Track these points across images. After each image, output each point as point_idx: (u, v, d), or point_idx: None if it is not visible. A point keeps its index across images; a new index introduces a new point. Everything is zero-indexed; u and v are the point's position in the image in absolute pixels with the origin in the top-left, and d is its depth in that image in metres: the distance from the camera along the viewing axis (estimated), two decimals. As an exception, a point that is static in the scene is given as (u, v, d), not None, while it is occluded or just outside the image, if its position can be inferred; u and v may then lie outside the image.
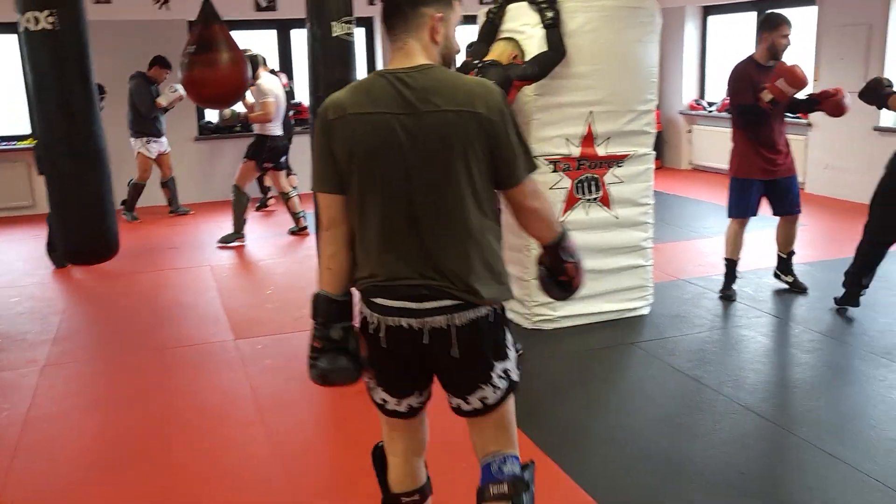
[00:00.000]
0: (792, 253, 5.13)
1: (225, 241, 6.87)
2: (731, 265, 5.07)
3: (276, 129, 6.83)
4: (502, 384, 2.09)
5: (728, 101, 5.19)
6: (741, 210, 4.92)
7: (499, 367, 2.07)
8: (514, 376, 2.14)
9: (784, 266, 5.17)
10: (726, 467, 3.04)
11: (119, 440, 3.39)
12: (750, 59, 4.82)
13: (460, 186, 1.91)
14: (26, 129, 7.72)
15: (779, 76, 4.51)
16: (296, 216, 7.15)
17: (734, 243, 5.02)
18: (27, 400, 3.79)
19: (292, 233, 7.22)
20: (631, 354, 4.22)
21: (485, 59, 4.21)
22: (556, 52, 4.08)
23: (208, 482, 3.06)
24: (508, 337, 2.11)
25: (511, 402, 2.17)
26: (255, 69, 6.73)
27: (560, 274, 2.16)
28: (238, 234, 6.89)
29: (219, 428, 3.51)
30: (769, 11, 4.99)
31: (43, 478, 3.12)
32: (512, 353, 2.13)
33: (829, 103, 4.74)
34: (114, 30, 8.34)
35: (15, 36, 5.08)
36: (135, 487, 3.03)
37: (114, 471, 3.15)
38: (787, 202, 4.92)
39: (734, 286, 5.06)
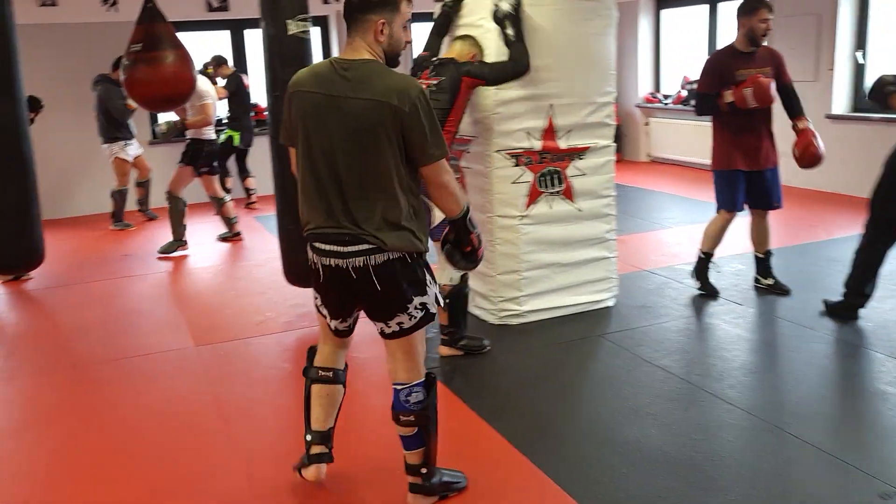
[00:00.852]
0: (769, 253, 4.95)
1: (165, 250, 6.62)
2: (706, 259, 4.93)
3: (212, 133, 6.63)
4: (418, 314, 2.57)
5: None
6: (728, 203, 4.75)
7: (417, 300, 2.55)
8: (431, 308, 2.60)
9: (763, 268, 4.96)
10: (698, 454, 3.04)
11: (77, 455, 3.28)
12: (730, 46, 4.69)
13: (374, 159, 2.40)
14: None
15: (750, 85, 4.40)
16: (229, 221, 7.01)
17: (715, 237, 4.87)
18: (-21, 416, 3.66)
19: (223, 238, 7.06)
20: (599, 346, 4.22)
21: (441, 56, 4.17)
22: (515, 64, 4.00)
23: (174, 495, 2.96)
24: (427, 276, 2.59)
25: (421, 334, 2.63)
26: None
27: (465, 245, 2.64)
28: (178, 241, 6.66)
29: (182, 438, 3.41)
30: None
31: (1, 494, 3.01)
32: (431, 290, 2.59)
33: (801, 144, 4.65)
34: (62, 33, 8.15)
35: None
36: (96, 503, 2.93)
37: (74, 485, 3.04)
38: (768, 195, 4.76)
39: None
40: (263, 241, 6.97)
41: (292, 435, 3.42)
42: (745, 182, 4.72)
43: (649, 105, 10.22)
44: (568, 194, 4.49)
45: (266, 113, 8.61)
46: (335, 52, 9.57)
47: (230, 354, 4.36)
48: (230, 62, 8.35)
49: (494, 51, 4.18)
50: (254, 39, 9.25)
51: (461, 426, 3.40)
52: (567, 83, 4.35)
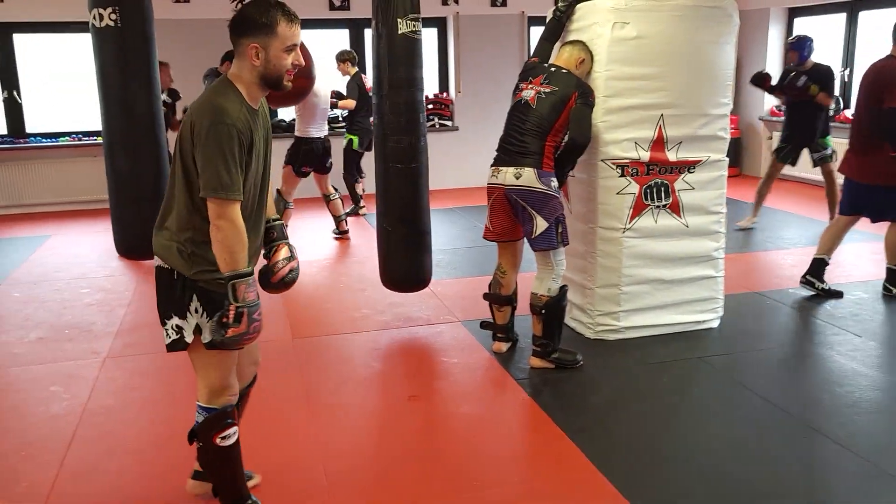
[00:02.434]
0: None
1: None
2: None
3: (314, 132, 6.71)
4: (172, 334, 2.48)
5: (864, 104, 4.86)
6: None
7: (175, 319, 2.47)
8: (186, 337, 2.46)
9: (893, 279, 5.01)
10: (796, 495, 2.84)
11: (172, 438, 3.39)
12: (891, 57, 4.67)
13: (179, 170, 2.38)
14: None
15: None
16: (338, 219, 7.08)
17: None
18: (87, 391, 3.84)
19: (337, 236, 7.15)
20: (698, 369, 4.03)
21: (551, 62, 4.10)
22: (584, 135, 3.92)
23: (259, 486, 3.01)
24: (195, 304, 2.44)
25: (197, 355, 2.50)
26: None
27: (223, 315, 2.36)
28: None
29: (269, 428, 3.46)
30: None
31: (95, 471, 3.14)
32: (192, 318, 2.45)
33: None
34: (192, 28, 8.52)
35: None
36: (183, 486, 3.01)
37: (165, 468, 3.14)
38: None
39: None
40: (369, 238, 7.04)
41: (375, 435, 3.43)
42: None
43: (774, 119, 9.73)
44: (675, 208, 4.31)
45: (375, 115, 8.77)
46: (451, 54, 9.61)
47: (325, 349, 4.42)
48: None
49: (605, 56, 4.06)
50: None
51: (545, 442, 3.31)
52: (679, 93, 4.18)
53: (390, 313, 4.98)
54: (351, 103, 7.68)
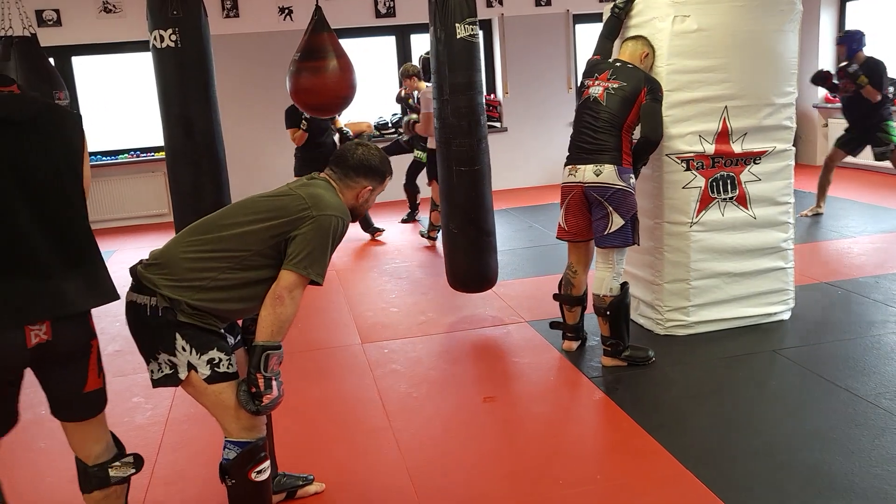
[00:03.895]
0: None
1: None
2: None
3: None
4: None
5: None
6: None
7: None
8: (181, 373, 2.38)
9: None
10: (891, 488, 2.79)
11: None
12: None
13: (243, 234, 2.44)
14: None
15: None
16: (436, 227, 6.92)
17: None
18: (168, 401, 3.94)
19: (430, 238, 7.04)
20: (773, 362, 3.98)
21: (616, 58, 4.09)
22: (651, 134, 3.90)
23: (341, 487, 3.06)
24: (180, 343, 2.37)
25: (205, 397, 2.43)
26: (425, 74, 6.57)
27: (250, 384, 2.37)
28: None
29: (348, 434, 3.52)
30: None
31: (184, 477, 3.22)
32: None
33: None
34: (243, 42, 8.67)
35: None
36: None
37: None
38: None
39: None
40: (424, 242, 7.09)
41: (455, 438, 3.46)
42: None
43: (829, 105, 9.55)
44: (742, 201, 4.27)
45: (436, 119, 8.78)
46: (497, 56, 9.62)
47: (395, 353, 4.47)
48: (393, 68, 8.37)
49: (666, 51, 4.04)
50: (419, 45, 9.46)
51: (626, 439, 3.30)
52: (743, 84, 4.14)
53: (456, 315, 5.01)
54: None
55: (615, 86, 3.89)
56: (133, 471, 2.39)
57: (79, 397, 2.27)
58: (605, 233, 3.87)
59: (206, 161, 5.52)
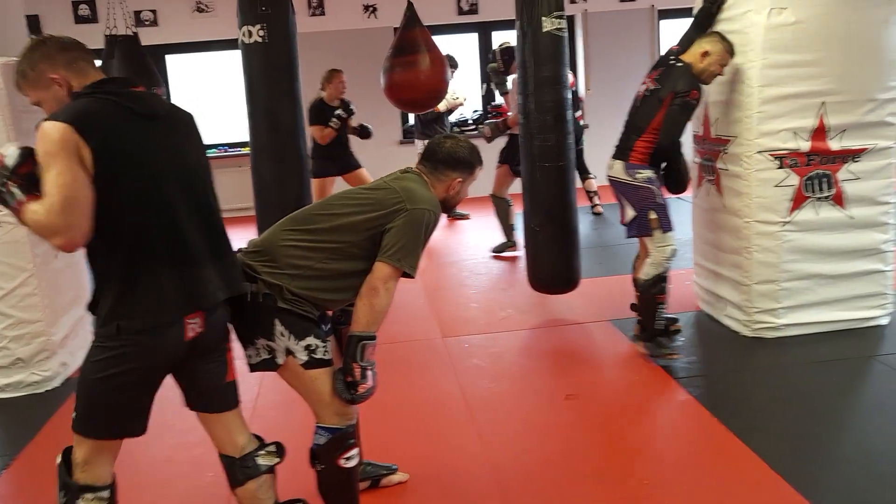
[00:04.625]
0: None
1: (497, 250, 6.61)
2: None
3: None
4: None
5: None
6: None
7: None
8: None
9: None
10: None
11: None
12: None
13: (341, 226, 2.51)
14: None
15: None
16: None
17: None
18: (255, 389, 4.04)
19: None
20: (869, 368, 3.83)
21: (677, 54, 4.01)
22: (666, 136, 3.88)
23: (426, 480, 3.08)
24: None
25: (302, 383, 2.48)
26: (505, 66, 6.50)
27: (346, 373, 2.40)
28: (509, 242, 6.57)
29: (431, 426, 3.55)
30: None
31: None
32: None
33: None
34: (330, 39, 8.82)
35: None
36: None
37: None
38: None
39: None
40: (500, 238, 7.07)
41: (537, 435, 3.44)
42: None
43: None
44: (838, 200, 4.11)
45: (510, 113, 8.75)
46: (580, 52, 9.52)
47: (475, 348, 4.48)
48: (476, 64, 8.34)
49: (761, 45, 3.94)
50: (500, 42, 9.43)
51: (713, 441, 3.23)
52: (843, 78, 3.98)
53: (536, 312, 4.99)
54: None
55: (652, 87, 3.92)
56: (277, 459, 2.45)
57: (221, 388, 2.34)
58: (623, 223, 4.05)
59: (289, 155, 5.65)
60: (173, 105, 2.29)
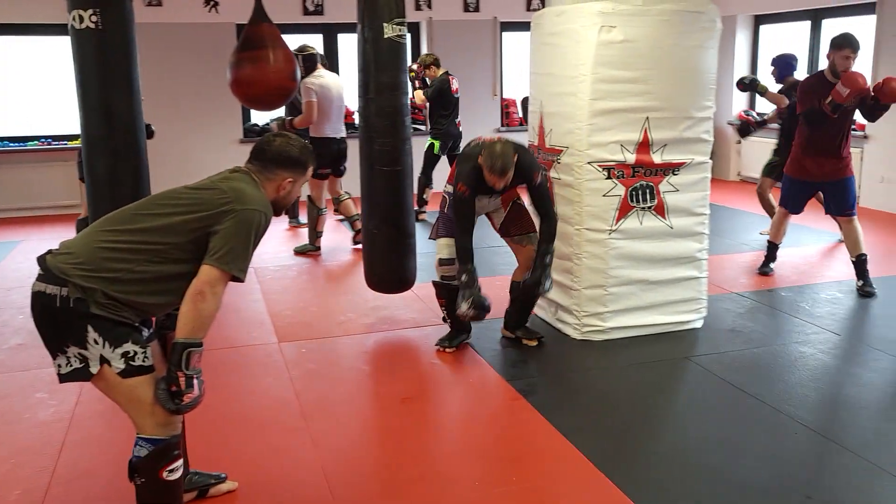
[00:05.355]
0: (861, 256, 5.24)
1: (300, 250, 6.70)
2: (771, 247, 5.74)
3: (329, 132, 6.52)
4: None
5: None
6: (787, 204, 5.56)
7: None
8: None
9: (858, 271, 5.25)
10: (790, 490, 2.90)
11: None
12: (820, 73, 5.19)
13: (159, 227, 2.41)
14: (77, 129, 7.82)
15: (840, 82, 4.86)
16: (352, 219, 6.78)
17: (777, 227, 5.72)
18: (74, 397, 3.77)
19: (356, 241, 6.75)
20: (685, 369, 4.09)
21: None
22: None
23: (255, 487, 2.99)
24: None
25: (118, 392, 2.34)
26: (313, 67, 6.48)
27: (170, 382, 2.29)
28: (310, 246, 6.68)
29: (263, 433, 3.45)
30: (841, 33, 5.20)
31: (88, 475, 3.09)
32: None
33: (884, 91, 4.93)
34: (164, 31, 8.43)
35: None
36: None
37: (158, 472, 3.10)
38: (839, 203, 5.29)
39: (771, 265, 5.73)
40: (348, 241, 7.03)
41: (372, 438, 3.43)
42: (809, 192, 5.46)
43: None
44: (660, 210, 4.37)
45: (355, 116, 8.71)
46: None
47: (312, 353, 4.40)
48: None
49: (592, 60, 4.13)
50: (346, 43, 9.39)
51: (542, 441, 3.33)
52: (665, 96, 4.25)
53: (375, 316, 4.97)
54: (419, 95, 7.68)
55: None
56: None
57: None
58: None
59: (125, 150, 5.32)
60: None
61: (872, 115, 5.17)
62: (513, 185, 4.09)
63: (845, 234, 5.33)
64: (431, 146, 7.79)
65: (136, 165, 5.38)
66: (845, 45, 5.04)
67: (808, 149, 5.25)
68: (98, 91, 5.13)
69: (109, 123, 5.22)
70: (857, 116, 5.30)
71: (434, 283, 4.36)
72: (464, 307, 3.96)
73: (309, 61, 6.49)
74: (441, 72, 7.77)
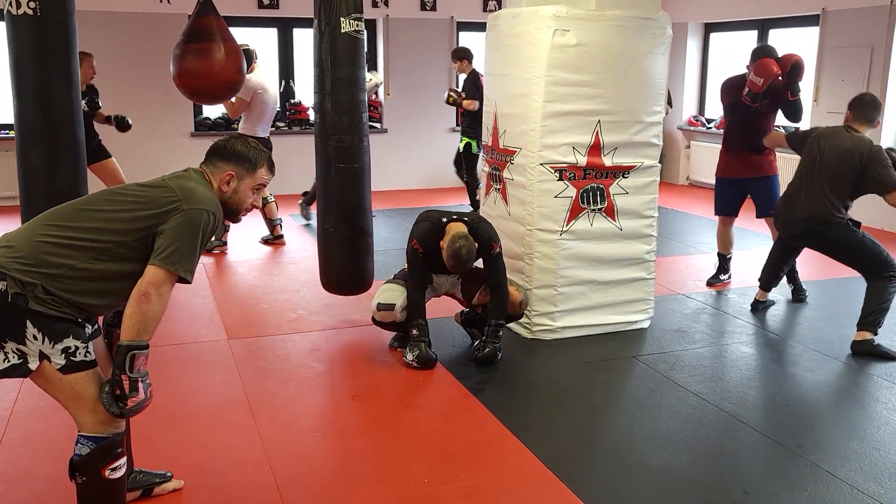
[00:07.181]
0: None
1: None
2: (721, 258, 5.71)
3: (260, 131, 6.49)
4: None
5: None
6: (717, 207, 5.62)
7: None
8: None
9: (788, 277, 5.23)
10: (730, 485, 2.98)
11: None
12: (744, 74, 5.31)
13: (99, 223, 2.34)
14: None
15: (753, 71, 5.10)
16: (272, 223, 6.82)
17: (720, 239, 5.70)
18: (13, 394, 3.69)
19: (265, 241, 6.84)
20: (632, 367, 4.16)
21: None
22: None
23: (199, 484, 2.96)
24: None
25: (58, 389, 2.28)
26: (248, 63, 6.48)
27: (114, 386, 2.23)
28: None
29: (210, 431, 3.41)
30: (758, 45, 5.49)
31: (29, 475, 3.02)
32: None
33: (755, 70, 5.09)
34: (110, 20, 8.26)
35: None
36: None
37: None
38: (763, 204, 5.37)
39: (722, 276, 5.68)
40: (302, 238, 6.98)
41: (321, 436, 3.42)
42: (736, 190, 5.46)
43: (692, 128, 10.12)
44: (610, 212, 4.45)
45: (310, 112, 8.65)
46: (381, 56, 9.61)
47: (262, 350, 4.37)
48: (275, 61, 8.16)
49: (545, 62, 4.17)
50: (301, 38, 9.32)
51: (491, 439, 3.37)
52: (616, 100, 4.32)
53: (327, 314, 4.96)
54: (474, 104, 7.38)
55: None
56: None
57: None
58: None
59: (62, 141, 5.18)
60: None
61: (795, 115, 5.29)
62: None
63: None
64: (469, 146, 7.68)
65: (74, 157, 5.24)
66: (753, 57, 5.23)
67: (730, 145, 5.41)
68: (35, 81, 4.97)
69: (46, 115, 5.06)
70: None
71: (372, 319, 4.33)
72: (409, 357, 4.05)
73: (245, 57, 6.44)
74: (471, 68, 7.69)
